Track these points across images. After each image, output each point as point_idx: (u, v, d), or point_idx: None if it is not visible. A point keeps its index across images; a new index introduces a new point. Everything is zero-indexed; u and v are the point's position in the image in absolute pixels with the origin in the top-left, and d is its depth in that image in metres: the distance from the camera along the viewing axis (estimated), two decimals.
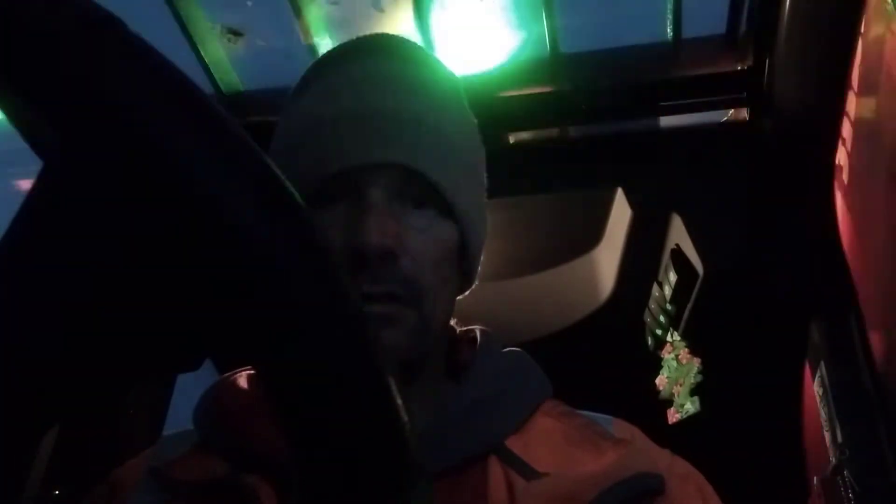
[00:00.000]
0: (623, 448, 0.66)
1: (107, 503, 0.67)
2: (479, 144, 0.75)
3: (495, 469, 0.62)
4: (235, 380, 0.70)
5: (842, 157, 1.27)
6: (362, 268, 0.61)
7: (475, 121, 0.75)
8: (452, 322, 0.74)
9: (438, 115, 0.68)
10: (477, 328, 0.75)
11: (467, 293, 0.75)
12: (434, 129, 0.66)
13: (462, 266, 0.70)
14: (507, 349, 0.74)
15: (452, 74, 0.75)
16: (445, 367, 0.72)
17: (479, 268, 0.74)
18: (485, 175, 0.75)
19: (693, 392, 1.59)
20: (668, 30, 1.40)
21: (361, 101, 0.66)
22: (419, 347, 0.65)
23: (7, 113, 0.31)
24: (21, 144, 0.31)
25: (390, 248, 0.61)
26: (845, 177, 1.26)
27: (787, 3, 1.21)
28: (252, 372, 0.70)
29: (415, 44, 0.75)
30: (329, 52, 0.74)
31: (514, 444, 0.65)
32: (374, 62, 0.70)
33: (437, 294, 0.66)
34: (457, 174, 0.67)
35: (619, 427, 0.71)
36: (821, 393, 1.30)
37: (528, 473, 0.62)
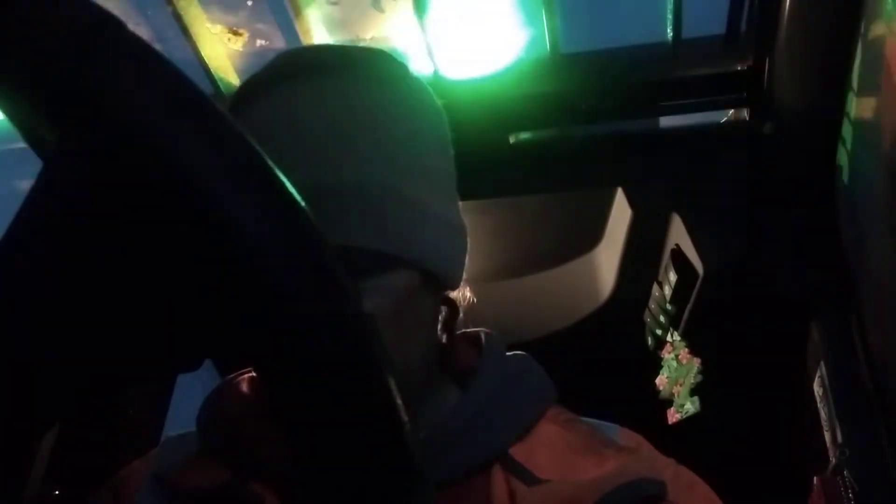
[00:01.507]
0: (626, 455, 0.65)
1: None
2: (442, 146, 0.67)
3: (498, 477, 0.62)
4: (238, 384, 0.70)
5: (842, 157, 1.27)
6: None
7: (437, 118, 0.67)
8: (451, 322, 0.73)
9: (378, 153, 0.60)
10: (481, 331, 0.74)
11: (465, 291, 0.72)
12: (378, 185, 0.59)
13: (437, 292, 0.66)
14: (512, 353, 0.73)
15: (400, 70, 0.66)
16: (448, 371, 0.71)
17: (464, 275, 0.68)
18: (453, 182, 0.68)
19: (693, 392, 1.59)
20: (668, 30, 1.40)
21: (293, 173, 0.57)
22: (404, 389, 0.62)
23: (7, 113, 0.31)
24: (21, 144, 0.31)
25: None
26: (845, 177, 1.26)
27: (787, 3, 1.21)
28: (255, 375, 0.70)
29: (349, 52, 0.66)
30: (255, 78, 0.65)
31: (517, 451, 0.64)
32: (283, 86, 0.61)
33: (405, 344, 0.61)
34: (415, 228, 0.61)
35: (625, 436, 0.70)
36: (821, 393, 1.30)
37: (530, 480, 0.62)
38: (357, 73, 0.63)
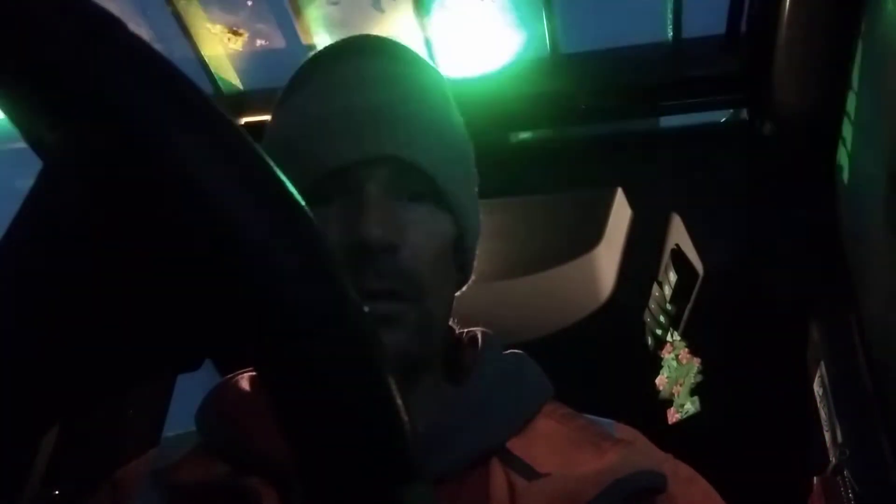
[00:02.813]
0: (624, 448, 0.65)
1: None
2: (468, 139, 0.74)
3: (496, 471, 0.62)
4: (238, 381, 0.70)
5: (842, 157, 1.27)
6: (364, 262, 0.60)
7: (461, 118, 0.75)
8: (451, 322, 0.73)
9: (429, 110, 0.68)
10: (478, 329, 0.75)
11: (465, 290, 0.74)
12: (426, 122, 0.67)
13: (458, 261, 0.70)
14: (509, 351, 0.74)
15: (439, 73, 0.76)
16: (446, 368, 0.72)
17: (475, 264, 0.74)
18: (475, 169, 0.75)
19: (693, 392, 1.59)
20: (668, 30, 1.40)
21: (351, 99, 0.66)
22: (423, 347, 0.65)
23: (7, 113, 0.31)
24: (21, 144, 0.31)
25: (392, 241, 0.62)
26: (845, 177, 1.27)
27: (787, 3, 1.21)
28: (254, 373, 0.70)
29: (402, 44, 0.75)
30: (318, 53, 0.74)
31: (515, 446, 0.64)
32: (362, 61, 0.70)
33: (438, 290, 0.66)
34: (450, 167, 0.68)
35: (621, 430, 0.71)
36: (821, 393, 1.30)
37: (529, 474, 0.62)
38: (412, 57, 0.73)
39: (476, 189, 0.74)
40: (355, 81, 0.68)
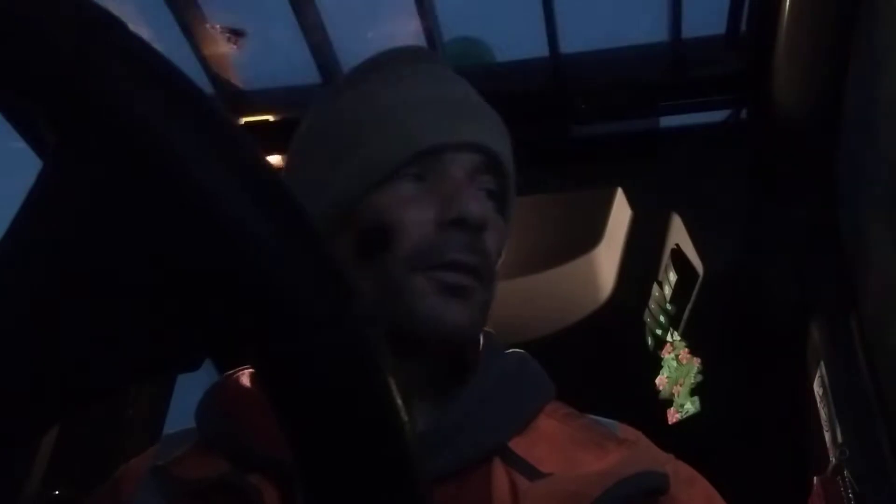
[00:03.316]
0: (627, 448, 0.65)
1: (110, 502, 0.67)
2: None
3: (499, 470, 0.62)
4: (238, 378, 0.70)
5: (842, 157, 1.27)
6: (459, 236, 0.63)
7: None
8: None
9: (489, 107, 0.72)
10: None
11: None
12: (500, 122, 0.71)
13: None
14: (511, 350, 0.74)
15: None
16: (450, 367, 0.72)
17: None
18: None
19: (693, 392, 1.59)
20: (668, 30, 1.40)
21: (439, 91, 0.69)
22: (479, 329, 0.68)
23: (7, 113, 0.31)
24: (21, 144, 0.31)
25: (486, 222, 0.64)
26: (845, 177, 1.27)
27: (787, 3, 1.21)
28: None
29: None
30: (372, 58, 0.77)
31: (517, 445, 0.64)
32: (426, 64, 0.74)
33: (495, 284, 0.68)
34: (512, 170, 0.71)
35: (624, 430, 0.70)
36: (821, 393, 1.30)
37: (532, 474, 0.62)
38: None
39: None
40: (431, 76, 0.71)
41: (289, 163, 0.74)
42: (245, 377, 0.70)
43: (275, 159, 1.33)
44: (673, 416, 1.62)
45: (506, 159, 0.69)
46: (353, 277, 0.31)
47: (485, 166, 0.67)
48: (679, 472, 0.67)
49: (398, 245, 0.63)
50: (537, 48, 1.44)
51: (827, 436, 1.26)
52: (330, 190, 0.67)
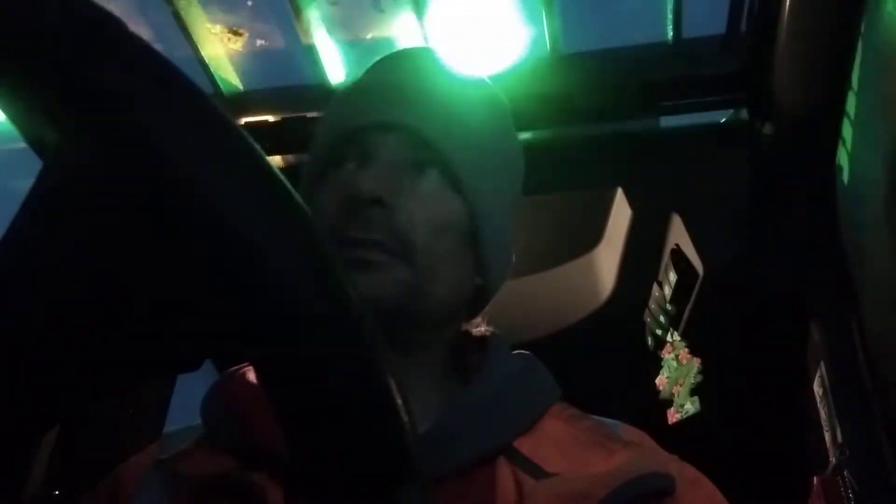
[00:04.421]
0: (632, 449, 0.65)
1: (111, 499, 0.67)
2: (514, 142, 0.78)
3: (504, 470, 0.62)
4: (243, 374, 0.70)
5: (842, 157, 1.27)
6: (352, 213, 0.63)
7: (512, 129, 0.79)
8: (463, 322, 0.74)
9: (460, 99, 0.72)
10: (486, 330, 0.75)
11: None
12: (447, 105, 0.70)
13: (477, 252, 0.70)
14: (517, 352, 0.74)
15: (486, 83, 0.80)
16: (454, 367, 0.72)
17: (506, 271, 0.75)
18: (518, 171, 0.78)
19: (693, 392, 1.59)
20: (668, 30, 1.40)
21: (390, 78, 0.71)
22: (409, 304, 0.65)
23: (7, 113, 0.31)
24: (21, 144, 0.31)
25: (380, 197, 0.63)
26: (845, 177, 1.26)
27: (787, 3, 1.21)
28: None
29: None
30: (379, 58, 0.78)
31: (522, 445, 0.64)
32: (407, 59, 0.75)
33: (439, 262, 0.66)
34: (467, 151, 0.69)
35: (628, 431, 0.70)
36: (821, 393, 1.30)
37: (538, 473, 0.62)
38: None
39: (511, 187, 0.76)
40: (391, 67, 0.73)
41: None
42: (251, 373, 0.70)
43: (275, 160, 1.33)
44: (673, 416, 1.62)
45: (442, 139, 0.67)
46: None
47: (422, 147, 0.67)
48: (684, 474, 0.67)
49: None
50: (537, 48, 1.44)
51: (827, 436, 1.26)
52: (302, 189, 0.70)
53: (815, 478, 1.25)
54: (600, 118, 1.49)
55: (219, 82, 1.47)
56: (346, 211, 0.63)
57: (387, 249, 0.63)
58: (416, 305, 0.66)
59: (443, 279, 0.67)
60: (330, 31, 1.43)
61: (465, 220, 0.68)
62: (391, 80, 0.71)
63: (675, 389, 1.62)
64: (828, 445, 1.25)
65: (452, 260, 0.68)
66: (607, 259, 1.86)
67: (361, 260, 0.62)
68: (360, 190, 0.63)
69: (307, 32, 1.40)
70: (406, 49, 0.79)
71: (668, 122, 1.54)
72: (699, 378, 1.58)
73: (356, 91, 0.71)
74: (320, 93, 1.44)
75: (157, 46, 0.29)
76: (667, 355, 1.66)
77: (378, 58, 0.78)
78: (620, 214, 1.77)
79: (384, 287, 0.63)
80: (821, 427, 1.28)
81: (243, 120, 1.48)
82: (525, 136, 1.51)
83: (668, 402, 1.63)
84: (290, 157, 1.45)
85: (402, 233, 0.64)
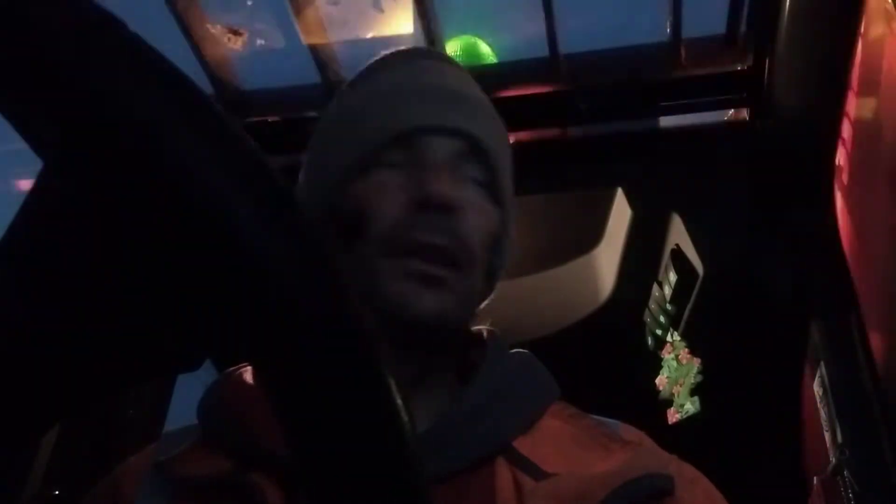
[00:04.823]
0: (632, 449, 0.65)
1: (110, 500, 0.67)
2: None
3: (503, 470, 0.62)
4: (241, 374, 0.69)
5: (842, 157, 1.27)
6: (428, 217, 0.63)
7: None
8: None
9: (491, 105, 0.72)
10: (484, 328, 0.75)
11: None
12: (492, 113, 0.71)
13: (492, 258, 0.70)
14: (516, 350, 0.74)
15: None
16: (453, 366, 0.72)
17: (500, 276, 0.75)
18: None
19: (693, 392, 1.59)
20: (668, 30, 1.40)
21: (429, 80, 0.70)
22: (459, 319, 0.66)
23: (7, 113, 0.31)
24: (21, 144, 0.31)
25: (451, 203, 0.64)
26: (845, 177, 1.27)
27: (787, 3, 1.21)
28: None
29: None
30: (380, 57, 0.77)
31: (521, 445, 0.64)
32: (428, 60, 0.74)
33: (480, 273, 0.67)
34: (506, 161, 0.70)
35: (627, 431, 0.70)
36: (821, 393, 1.30)
37: (537, 474, 0.62)
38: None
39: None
40: (427, 69, 0.72)
41: (304, 166, 0.75)
42: (248, 373, 0.69)
43: (275, 160, 1.33)
44: (673, 416, 1.62)
45: (492, 147, 0.68)
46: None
47: (469, 154, 0.67)
48: (683, 473, 0.67)
49: (371, 230, 0.63)
50: (537, 48, 1.44)
51: (827, 436, 1.26)
52: (320, 183, 0.68)
53: (815, 478, 1.25)
54: (600, 118, 1.49)
55: (219, 82, 1.48)
56: (416, 217, 0.63)
57: (452, 260, 0.64)
58: (461, 318, 0.67)
59: (478, 288, 0.68)
60: (330, 31, 1.43)
61: (497, 231, 0.69)
62: (436, 82, 0.70)
63: (675, 389, 1.62)
64: (828, 445, 1.25)
65: (483, 267, 0.69)
66: (607, 259, 1.86)
67: (431, 276, 0.63)
68: (435, 193, 0.63)
69: (307, 32, 1.41)
70: (425, 50, 0.79)
71: (668, 122, 1.54)
72: (699, 378, 1.58)
73: (402, 91, 0.69)
74: (320, 93, 1.45)
75: (157, 46, 0.29)
76: (667, 355, 1.66)
77: (389, 55, 0.76)
78: (620, 214, 1.77)
79: (447, 303, 0.63)
80: (821, 427, 1.28)
81: (243, 120, 1.48)
82: (525, 136, 1.52)
83: (668, 402, 1.64)
84: (290, 157, 1.45)
85: (464, 241, 0.64)
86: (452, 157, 0.66)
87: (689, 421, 1.58)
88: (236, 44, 1.48)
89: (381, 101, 0.68)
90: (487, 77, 1.44)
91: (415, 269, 0.62)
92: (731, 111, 1.52)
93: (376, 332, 0.31)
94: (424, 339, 0.65)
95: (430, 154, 0.65)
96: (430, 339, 0.66)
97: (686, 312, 1.61)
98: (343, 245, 0.64)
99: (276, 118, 1.47)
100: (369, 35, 1.48)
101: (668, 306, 1.63)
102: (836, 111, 1.23)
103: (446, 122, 0.66)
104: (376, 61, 0.76)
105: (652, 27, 1.44)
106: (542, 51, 1.43)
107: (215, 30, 1.44)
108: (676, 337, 1.64)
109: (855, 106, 1.19)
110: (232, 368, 0.70)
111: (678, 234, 1.60)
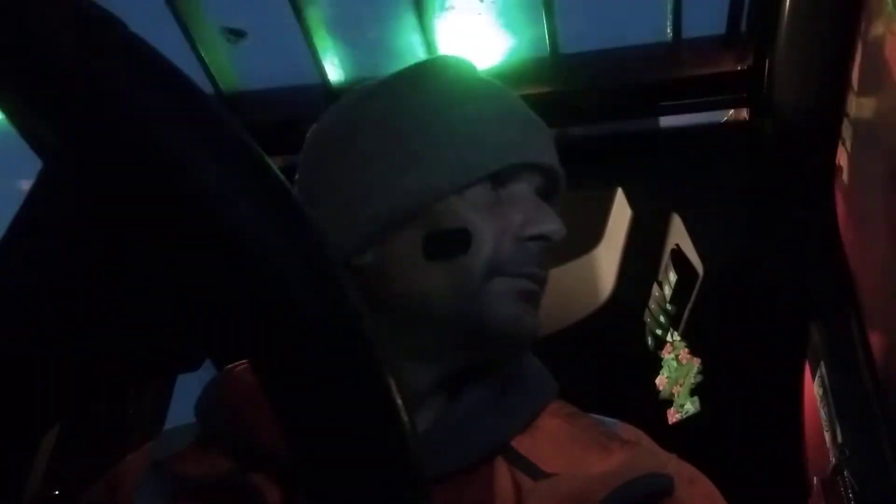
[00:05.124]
0: (631, 449, 0.65)
1: (109, 499, 0.66)
2: None
3: (501, 469, 0.62)
4: (241, 372, 0.69)
5: (842, 157, 1.27)
6: (539, 251, 0.67)
7: None
8: None
9: None
10: None
11: None
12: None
13: None
14: None
15: None
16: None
17: None
18: None
19: (693, 392, 1.59)
20: (668, 30, 1.40)
21: (515, 106, 0.74)
22: None
23: (7, 113, 0.31)
24: (21, 144, 0.31)
25: (557, 240, 0.69)
26: (845, 177, 1.27)
27: (787, 3, 1.21)
28: None
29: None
30: (420, 67, 0.77)
31: (520, 444, 0.64)
32: (481, 77, 0.77)
33: None
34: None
35: (626, 430, 0.70)
36: (821, 393, 1.30)
37: (536, 473, 0.62)
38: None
39: None
40: (499, 91, 0.75)
41: (335, 161, 0.71)
42: (246, 371, 0.69)
43: (274, 160, 1.33)
44: (673, 416, 1.62)
45: (563, 184, 0.75)
46: (350, 279, 0.31)
47: (545, 186, 0.72)
48: (682, 472, 0.67)
49: (477, 250, 0.65)
50: (537, 48, 1.44)
51: (827, 436, 1.26)
52: (402, 186, 0.66)
53: (815, 478, 1.25)
54: (600, 118, 1.49)
55: (219, 82, 1.48)
56: (527, 246, 0.67)
57: (543, 286, 0.69)
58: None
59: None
60: (330, 31, 1.43)
61: None
62: (525, 114, 0.74)
63: (675, 389, 1.62)
64: (828, 445, 1.25)
65: None
66: (607, 259, 1.86)
67: (533, 292, 0.67)
68: (553, 234, 0.68)
69: (307, 32, 1.40)
70: (490, 80, 0.78)
71: (668, 122, 1.54)
72: (699, 378, 1.58)
73: (514, 121, 0.72)
74: (320, 93, 1.44)
75: (157, 46, 0.29)
76: (667, 355, 1.66)
77: (446, 63, 0.77)
78: (620, 214, 1.77)
79: (539, 322, 0.68)
80: (821, 427, 1.28)
81: (243, 120, 1.47)
82: None
83: (668, 402, 1.63)
84: (290, 158, 1.45)
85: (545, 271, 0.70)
86: (537, 189, 0.71)
87: (689, 421, 1.58)
88: (236, 44, 1.48)
89: (489, 123, 0.70)
90: (488, 77, 1.44)
91: (526, 287, 0.67)
92: (731, 111, 1.52)
93: (376, 333, 0.31)
94: (510, 353, 0.69)
95: (525, 187, 0.70)
96: (514, 353, 0.70)
97: (686, 312, 1.61)
98: (434, 256, 0.65)
99: (276, 118, 1.47)
100: (369, 35, 1.48)
101: (668, 306, 1.63)
102: (836, 111, 1.23)
103: (546, 159, 0.72)
104: (426, 71, 0.75)
105: (652, 27, 1.44)
106: (543, 51, 1.43)
107: (215, 30, 1.44)
108: (676, 337, 1.64)
109: (855, 106, 1.19)
110: (230, 366, 0.70)
111: (678, 234, 1.60)
